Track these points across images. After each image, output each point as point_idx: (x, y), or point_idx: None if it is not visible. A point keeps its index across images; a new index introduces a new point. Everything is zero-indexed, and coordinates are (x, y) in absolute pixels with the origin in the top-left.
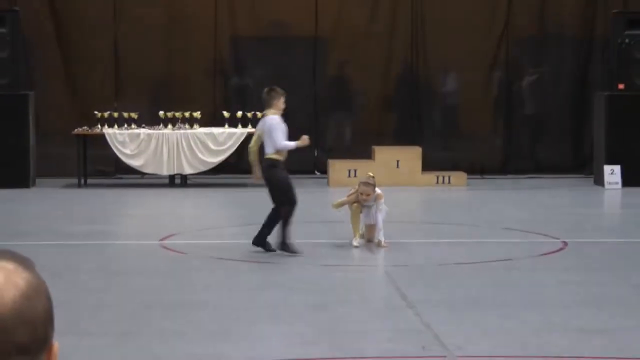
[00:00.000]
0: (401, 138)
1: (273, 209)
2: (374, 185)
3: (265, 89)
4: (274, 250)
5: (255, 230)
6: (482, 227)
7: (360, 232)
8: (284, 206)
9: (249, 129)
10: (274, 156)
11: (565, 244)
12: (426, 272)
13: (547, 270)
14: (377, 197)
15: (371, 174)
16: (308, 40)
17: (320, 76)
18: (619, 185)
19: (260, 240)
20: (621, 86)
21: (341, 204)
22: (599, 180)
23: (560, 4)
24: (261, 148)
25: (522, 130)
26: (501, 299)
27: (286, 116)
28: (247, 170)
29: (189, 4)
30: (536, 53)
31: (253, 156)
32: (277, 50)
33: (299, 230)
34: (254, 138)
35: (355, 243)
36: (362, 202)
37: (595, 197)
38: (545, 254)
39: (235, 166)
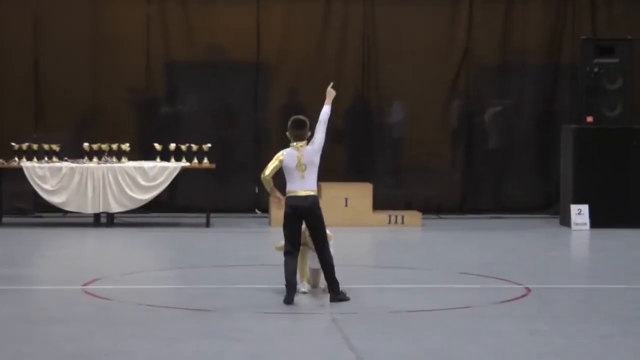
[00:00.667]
0: (351, 174)
1: (325, 250)
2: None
3: (301, 118)
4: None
5: (186, 274)
6: (438, 271)
7: (307, 276)
8: (328, 247)
9: (183, 163)
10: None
11: (529, 290)
12: (377, 320)
13: (510, 318)
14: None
15: None
16: (249, 65)
17: (263, 105)
18: (587, 227)
19: (337, 294)
20: (590, 119)
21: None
22: (566, 221)
23: (523, 30)
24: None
25: (483, 165)
26: (460, 350)
27: (225, 149)
28: (181, 208)
29: (119, 25)
30: (498, 82)
31: (270, 183)
32: (214, 76)
33: (237, 274)
34: (273, 168)
35: (302, 289)
36: (309, 246)
37: (562, 238)
38: (507, 301)
39: (167, 204)
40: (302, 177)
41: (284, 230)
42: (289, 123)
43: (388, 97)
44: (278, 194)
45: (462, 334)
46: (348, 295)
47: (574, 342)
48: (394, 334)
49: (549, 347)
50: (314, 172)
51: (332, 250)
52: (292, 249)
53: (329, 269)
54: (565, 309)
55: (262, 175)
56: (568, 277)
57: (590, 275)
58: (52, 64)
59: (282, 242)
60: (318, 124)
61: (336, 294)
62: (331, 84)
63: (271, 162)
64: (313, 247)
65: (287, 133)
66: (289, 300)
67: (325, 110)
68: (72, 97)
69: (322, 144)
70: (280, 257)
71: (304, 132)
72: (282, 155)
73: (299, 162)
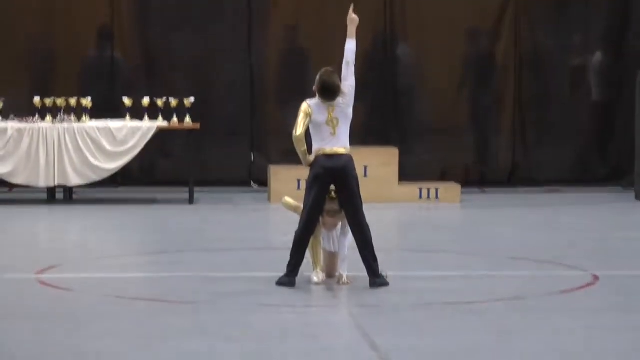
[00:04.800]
0: (371, 136)
1: (363, 222)
2: (341, 211)
3: (334, 82)
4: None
5: (163, 259)
6: (481, 256)
7: (321, 263)
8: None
9: (160, 122)
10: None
11: (596, 277)
12: (404, 314)
13: (570, 311)
14: (341, 216)
15: (332, 194)
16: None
17: (258, 49)
18: None
19: (377, 278)
20: None
21: (292, 207)
22: None
23: None
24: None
25: (537, 126)
26: (507, 349)
27: (211, 104)
28: (157, 180)
29: None
30: (555, 16)
31: (304, 144)
32: (197, 13)
33: (228, 259)
34: (304, 124)
35: (315, 278)
36: (324, 224)
37: (636, 216)
38: (567, 291)
39: (140, 175)
40: (334, 133)
41: (306, 198)
42: (320, 82)
43: (416, 38)
44: (311, 159)
45: (510, 330)
46: (388, 279)
47: None
48: (425, 330)
49: (620, 345)
50: (346, 127)
51: (349, 230)
52: (311, 222)
53: (368, 245)
54: (639, 300)
55: (294, 135)
56: None
57: None
58: None
59: (294, 203)
60: (344, 65)
61: (376, 277)
62: (351, 7)
63: (299, 118)
64: (328, 225)
65: (315, 89)
66: (289, 281)
67: (350, 47)
68: (20, 41)
69: (353, 92)
70: (286, 242)
71: (337, 96)
72: (309, 107)
73: (329, 116)
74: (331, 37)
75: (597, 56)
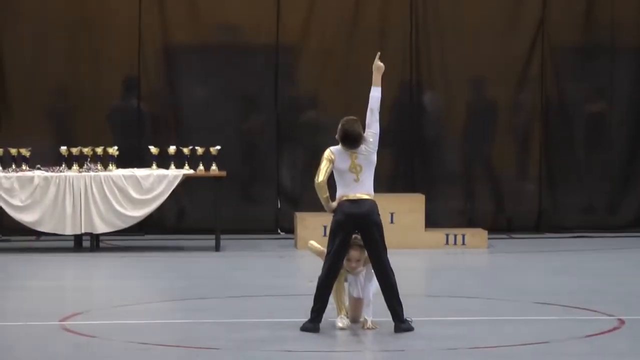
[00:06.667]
0: (398, 183)
1: (387, 267)
2: (363, 247)
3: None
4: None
5: (189, 306)
6: (508, 301)
7: (345, 308)
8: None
9: (186, 171)
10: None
11: (622, 322)
12: (429, 359)
13: (596, 355)
14: (365, 261)
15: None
16: (268, 48)
17: (284, 95)
18: None
19: (402, 323)
20: None
21: (317, 252)
22: None
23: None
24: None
25: (565, 172)
26: None
27: (237, 152)
28: (184, 228)
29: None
30: (580, 66)
31: (326, 192)
32: (223, 63)
33: (254, 306)
34: (327, 171)
35: (340, 323)
36: (349, 269)
37: None
38: (593, 335)
39: (166, 222)
40: (357, 180)
41: (329, 245)
42: (342, 130)
43: (442, 85)
44: (334, 205)
45: None
46: (413, 324)
47: None
48: None
49: None
50: (370, 174)
51: (374, 276)
52: (334, 268)
53: (393, 290)
54: None
55: (316, 182)
56: None
57: None
58: (19, 46)
59: (319, 247)
60: (369, 112)
61: (401, 322)
62: (378, 55)
63: (322, 165)
64: (353, 270)
65: (337, 137)
66: (313, 327)
67: (375, 95)
68: (46, 90)
69: (377, 139)
70: (311, 288)
71: (359, 144)
72: (332, 154)
73: (352, 163)
74: (355, 85)
75: (624, 103)
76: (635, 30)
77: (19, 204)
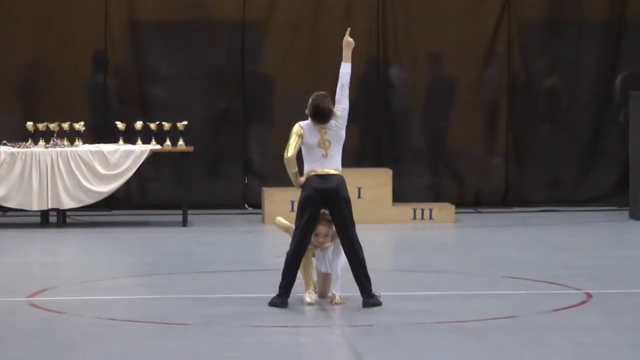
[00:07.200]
0: (365, 157)
1: (355, 242)
2: (331, 222)
3: (326, 106)
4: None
5: (157, 282)
6: (475, 275)
7: (313, 283)
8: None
9: (153, 146)
10: None
11: (590, 296)
12: (397, 334)
13: (564, 330)
14: (333, 237)
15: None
16: (234, 23)
17: (251, 70)
18: None
19: (370, 298)
20: None
21: (285, 227)
22: (637, 214)
23: None
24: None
25: (531, 147)
26: None
27: (204, 128)
28: (151, 203)
29: None
30: (547, 42)
31: (295, 167)
32: (189, 38)
33: (222, 281)
34: (296, 146)
35: (308, 299)
36: (317, 245)
37: (631, 235)
38: (561, 309)
39: (133, 198)
40: (326, 155)
41: (297, 220)
42: (312, 106)
43: (410, 62)
44: (302, 180)
45: (504, 349)
46: (381, 299)
47: None
48: (418, 351)
49: None
50: (339, 150)
51: (342, 251)
52: (302, 243)
53: (361, 265)
54: (634, 319)
55: (285, 156)
56: (638, 280)
57: None
58: None
59: (286, 223)
60: (339, 88)
61: (369, 297)
62: (348, 31)
63: (291, 140)
64: (321, 245)
65: (307, 112)
66: (281, 302)
67: (345, 71)
68: (14, 66)
69: (346, 114)
70: (279, 263)
71: (329, 120)
72: (301, 129)
73: (321, 138)
74: (322, 61)
75: (590, 78)
76: (602, 5)
77: None
